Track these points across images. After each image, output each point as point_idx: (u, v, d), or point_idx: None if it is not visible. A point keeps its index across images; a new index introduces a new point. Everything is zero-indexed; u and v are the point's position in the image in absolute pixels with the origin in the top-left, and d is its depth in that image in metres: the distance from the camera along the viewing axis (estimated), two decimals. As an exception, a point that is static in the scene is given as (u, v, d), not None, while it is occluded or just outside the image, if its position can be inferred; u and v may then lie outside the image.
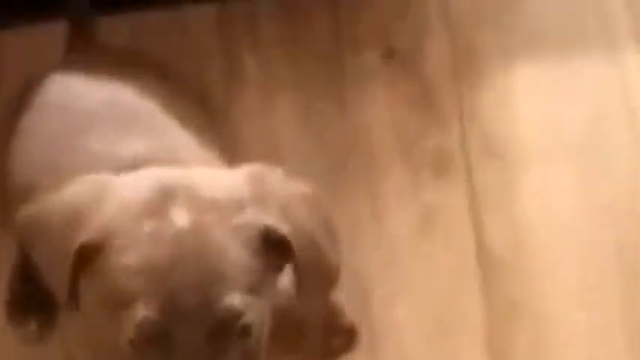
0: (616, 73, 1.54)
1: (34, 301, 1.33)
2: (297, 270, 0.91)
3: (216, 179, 0.92)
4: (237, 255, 0.87)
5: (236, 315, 0.87)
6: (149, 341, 0.86)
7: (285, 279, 0.94)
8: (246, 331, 0.88)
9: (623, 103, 1.52)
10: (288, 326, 1.02)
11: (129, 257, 0.86)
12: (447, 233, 1.46)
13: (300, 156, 1.49)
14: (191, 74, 1.40)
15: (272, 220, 0.89)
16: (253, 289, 0.88)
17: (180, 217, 0.87)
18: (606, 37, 1.56)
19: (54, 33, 1.42)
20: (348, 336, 1.36)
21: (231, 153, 1.17)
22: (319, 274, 0.92)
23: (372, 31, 1.57)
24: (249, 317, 0.88)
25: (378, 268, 1.44)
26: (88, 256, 0.88)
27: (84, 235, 0.88)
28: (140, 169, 0.95)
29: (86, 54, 1.29)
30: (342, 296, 1.33)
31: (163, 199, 0.89)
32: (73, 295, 0.89)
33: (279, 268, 0.92)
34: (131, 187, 0.91)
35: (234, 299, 0.86)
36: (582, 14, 1.57)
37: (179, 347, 0.86)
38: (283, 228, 0.89)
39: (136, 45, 1.53)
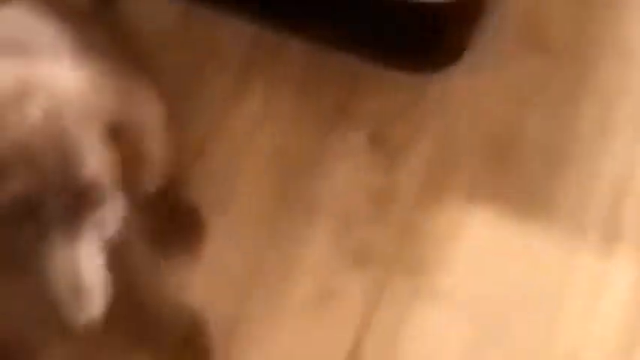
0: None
1: None
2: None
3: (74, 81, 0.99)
4: (90, 141, 0.96)
5: (95, 185, 0.95)
6: (15, 212, 0.93)
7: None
8: (99, 201, 0.96)
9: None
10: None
11: None
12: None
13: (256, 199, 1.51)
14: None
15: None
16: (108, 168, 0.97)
17: (36, 110, 0.95)
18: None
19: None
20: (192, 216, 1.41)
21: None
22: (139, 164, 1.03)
23: (370, 111, 1.57)
24: (107, 189, 0.96)
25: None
26: None
27: None
28: None
29: None
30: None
31: (18, 93, 0.96)
32: None
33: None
34: None
35: (93, 169, 0.94)
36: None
37: (47, 215, 0.93)
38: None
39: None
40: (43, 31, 1.10)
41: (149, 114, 1.08)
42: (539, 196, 1.53)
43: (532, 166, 1.55)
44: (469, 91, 1.59)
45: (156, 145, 1.06)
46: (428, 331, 1.44)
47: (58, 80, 0.99)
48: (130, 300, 1.12)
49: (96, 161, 0.96)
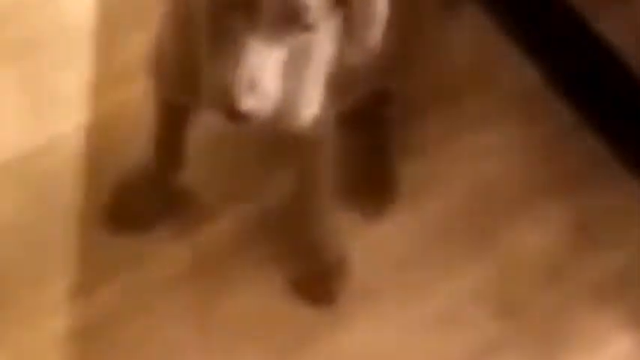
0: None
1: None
2: (350, 17, 1.18)
3: None
4: None
5: (307, 10, 1.12)
6: (241, 2, 1.12)
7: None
8: (306, 28, 1.14)
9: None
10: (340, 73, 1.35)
11: None
12: None
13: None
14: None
15: None
16: (321, 7, 1.14)
17: None
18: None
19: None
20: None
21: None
22: (366, 24, 1.19)
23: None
24: (314, 20, 1.14)
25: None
26: None
27: None
28: None
29: None
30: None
31: None
32: None
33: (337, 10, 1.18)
34: None
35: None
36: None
37: (261, 13, 1.12)
38: None
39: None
40: None
41: None
42: None
43: None
44: None
45: (381, 15, 1.20)
46: None
47: None
48: None
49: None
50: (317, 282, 1.56)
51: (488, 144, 1.71)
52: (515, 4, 1.83)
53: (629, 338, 1.58)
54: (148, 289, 1.54)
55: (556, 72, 1.77)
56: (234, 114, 1.14)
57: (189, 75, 1.31)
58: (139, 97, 1.64)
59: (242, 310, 1.54)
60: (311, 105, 1.35)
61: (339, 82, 1.41)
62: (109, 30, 1.73)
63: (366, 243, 1.61)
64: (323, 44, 1.29)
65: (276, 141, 1.58)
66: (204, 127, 1.57)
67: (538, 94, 1.76)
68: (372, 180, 1.65)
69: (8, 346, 1.48)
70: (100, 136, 1.64)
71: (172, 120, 1.52)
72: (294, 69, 1.23)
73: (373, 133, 1.67)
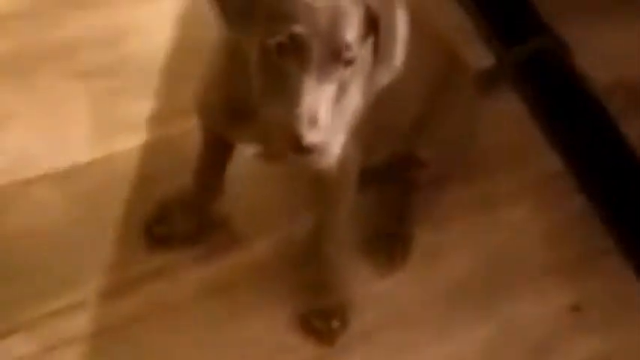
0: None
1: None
2: (379, 39, 1.35)
3: None
4: (354, 13, 1.32)
5: (348, 47, 1.31)
6: (292, 48, 1.29)
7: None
8: (348, 63, 1.32)
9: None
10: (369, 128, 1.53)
11: None
12: None
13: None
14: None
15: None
16: (357, 42, 1.32)
17: None
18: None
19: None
20: None
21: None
22: (392, 44, 1.37)
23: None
24: (354, 54, 1.32)
25: None
26: None
27: None
28: None
29: None
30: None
31: None
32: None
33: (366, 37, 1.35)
34: None
35: (350, 37, 1.31)
36: None
37: (311, 56, 1.29)
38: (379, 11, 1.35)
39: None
40: None
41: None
42: None
43: None
44: None
45: (403, 35, 1.38)
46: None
47: None
48: None
49: (354, 32, 1.32)
50: (321, 319, 1.69)
51: (503, 219, 1.84)
52: (545, 94, 1.97)
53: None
54: (168, 302, 1.70)
55: (575, 161, 1.89)
56: (299, 147, 1.29)
57: (233, 112, 1.48)
58: (193, 129, 1.80)
59: (250, 335, 1.68)
60: (339, 145, 1.50)
61: (368, 134, 1.56)
62: (177, 67, 1.91)
63: (371, 291, 1.74)
64: (352, 88, 1.45)
65: (303, 179, 1.72)
66: (240, 161, 1.73)
67: (557, 179, 1.88)
68: (388, 238, 1.78)
69: (37, 334, 1.65)
70: (153, 160, 1.81)
71: (215, 152, 1.68)
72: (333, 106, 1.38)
73: (396, 194, 1.80)
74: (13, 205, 1.73)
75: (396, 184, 1.80)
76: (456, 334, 1.72)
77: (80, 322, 1.66)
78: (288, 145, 1.30)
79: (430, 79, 1.67)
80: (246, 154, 1.57)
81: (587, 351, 1.72)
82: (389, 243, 1.78)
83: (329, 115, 1.32)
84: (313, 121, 1.29)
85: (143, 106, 1.86)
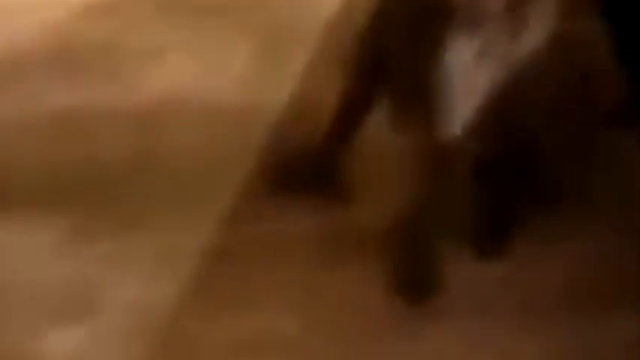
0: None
1: None
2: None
3: None
4: None
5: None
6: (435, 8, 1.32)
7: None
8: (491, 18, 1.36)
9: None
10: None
11: None
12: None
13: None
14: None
15: None
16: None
17: None
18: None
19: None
20: None
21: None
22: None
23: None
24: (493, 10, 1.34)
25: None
26: None
27: None
28: None
29: None
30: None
31: None
32: None
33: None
34: None
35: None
36: None
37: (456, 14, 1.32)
38: None
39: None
40: None
41: None
42: None
43: None
44: None
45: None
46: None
47: None
48: None
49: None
50: (408, 289, 1.83)
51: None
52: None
53: None
54: (274, 242, 1.87)
55: None
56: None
57: (379, 66, 1.60)
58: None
59: (339, 287, 1.83)
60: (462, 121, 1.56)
61: (497, 114, 1.60)
62: (337, 28, 2.08)
63: (465, 275, 1.86)
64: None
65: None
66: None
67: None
68: (495, 223, 1.87)
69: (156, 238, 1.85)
70: (297, 111, 1.99)
71: (353, 103, 1.81)
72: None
73: (507, 181, 1.88)
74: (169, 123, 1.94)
75: (508, 172, 1.87)
76: (537, 337, 1.78)
77: (196, 239, 1.85)
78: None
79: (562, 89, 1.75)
80: (380, 112, 1.70)
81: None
82: (497, 228, 1.87)
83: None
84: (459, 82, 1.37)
85: (302, 60, 2.03)
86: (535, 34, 1.44)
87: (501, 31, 1.39)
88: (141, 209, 1.87)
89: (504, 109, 1.60)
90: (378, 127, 1.80)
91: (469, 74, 1.41)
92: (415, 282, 1.82)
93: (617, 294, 1.84)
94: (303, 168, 1.90)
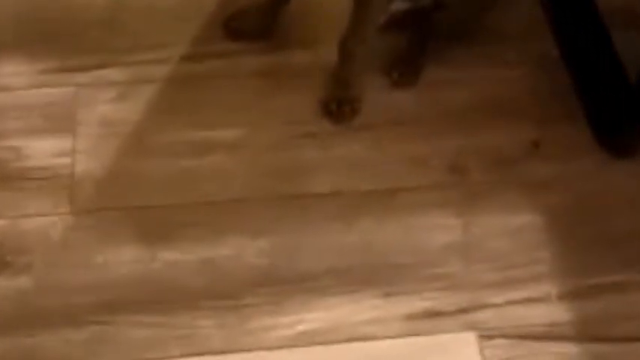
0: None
1: None
2: None
3: None
4: None
5: None
6: None
7: None
8: None
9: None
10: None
11: None
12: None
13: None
14: None
15: None
16: None
17: None
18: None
19: None
20: None
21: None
22: None
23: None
24: None
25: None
26: None
27: None
28: None
29: None
30: None
31: None
32: None
33: None
34: None
35: None
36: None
37: None
38: None
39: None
40: None
41: None
42: None
43: None
44: None
45: None
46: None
47: None
48: None
49: None
50: (336, 104, 2.20)
51: (502, 75, 2.29)
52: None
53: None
54: (227, 74, 2.26)
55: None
56: None
57: None
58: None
59: (281, 107, 2.21)
60: None
61: None
62: None
63: (380, 98, 2.25)
64: None
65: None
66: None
67: (550, 58, 2.33)
68: (407, 59, 2.28)
69: (129, 71, 2.25)
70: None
71: None
72: None
73: (421, 28, 2.28)
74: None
75: (424, 21, 2.27)
76: (434, 141, 2.19)
77: (161, 70, 2.26)
78: None
79: None
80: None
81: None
82: (406, 66, 2.26)
83: None
84: None
85: None
86: None
87: None
88: (115, 49, 2.28)
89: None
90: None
91: None
92: (340, 104, 2.21)
93: (516, 105, 2.24)
94: (252, 16, 2.29)
